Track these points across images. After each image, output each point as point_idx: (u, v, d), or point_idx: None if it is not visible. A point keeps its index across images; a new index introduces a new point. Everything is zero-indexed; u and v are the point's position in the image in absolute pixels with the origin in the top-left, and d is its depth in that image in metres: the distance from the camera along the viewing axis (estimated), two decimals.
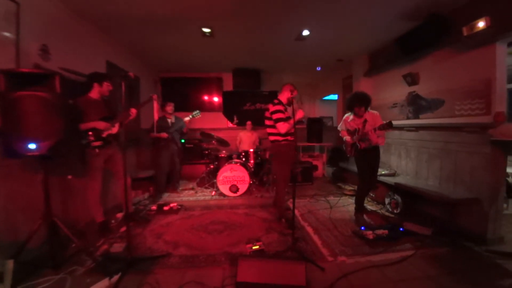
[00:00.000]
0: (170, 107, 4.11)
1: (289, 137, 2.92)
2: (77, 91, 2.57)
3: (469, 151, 2.66)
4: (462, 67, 2.78)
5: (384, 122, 2.70)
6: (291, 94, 2.88)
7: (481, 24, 2.35)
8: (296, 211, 2.48)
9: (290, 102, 2.82)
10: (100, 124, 2.51)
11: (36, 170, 2.14)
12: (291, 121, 2.68)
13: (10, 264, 1.66)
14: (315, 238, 2.61)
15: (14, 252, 1.78)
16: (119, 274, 1.87)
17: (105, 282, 1.84)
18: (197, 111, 4.06)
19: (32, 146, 1.73)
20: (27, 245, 1.84)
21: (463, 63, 2.76)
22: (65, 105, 1.89)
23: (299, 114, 2.74)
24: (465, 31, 2.50)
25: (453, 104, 2.88)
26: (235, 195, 4.06)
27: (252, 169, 4.38)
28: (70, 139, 2.06)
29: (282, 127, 2.80)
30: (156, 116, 3.61)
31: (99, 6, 2.74)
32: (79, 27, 2.98)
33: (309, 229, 2.82)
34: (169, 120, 4.11)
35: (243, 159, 4.47)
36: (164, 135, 3.90)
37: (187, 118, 4.03)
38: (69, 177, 2.64)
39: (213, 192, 4.24)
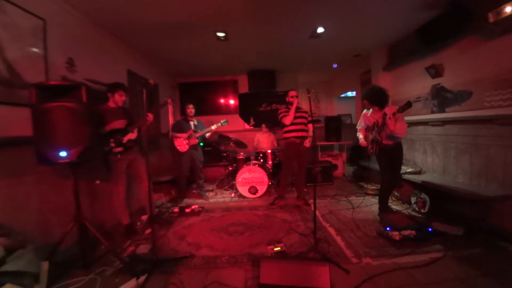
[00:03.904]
0: (189, 110, 4.02)
1: (289, 134, 3.50)
2: (101, 100, 2.69)
3: (502, 144, 2.48)
4: (490, 56, 2.61)
5: (405, 117, 2.58)
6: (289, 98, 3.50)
7: (508, 9, 2.21)
8: (317, 212, 2.43)
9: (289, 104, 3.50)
10: (117, 124, 2.59)
11: (65, 175, 2.27)
12: (290, 115, 3.41)
13: (45, 265, 1.76)
14: (338, 239, 2.55)
15: (48, 253, 1.88)
16: (146, 274, 1.93)
17: (133, 282, 1.90)
18: (225, 120, 4.04)
19: (63, 153, 1.83)
20: (59, 247, 1.94)
21: (491, 51, 2.60)
22: (90, 114, 1.98)
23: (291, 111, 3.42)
24: (491, 17, 2.36)
25: (482, 96, 2.71)
26: (254, 196, 4.07)
27: (271, 170, 4.36)
28: (96, 145, 2.16)
29: (286, 119, 3.44)
30: (171, 120, 3.62)
31: (119, 16, 2.87)
32: (101, 38, 3.14)
33: (331, 230, 2.76)
34: (191, 123, 4.02)
35: (261, 160, 4.47)
36: (183, 135, 3.87)
37: (214, 126, 3.98)
38: (97, 182, 2.78)
39: (233, 194, 4.28)
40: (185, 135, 3.90)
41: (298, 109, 3.49)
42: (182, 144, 3.89)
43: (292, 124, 3.46)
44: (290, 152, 3.56)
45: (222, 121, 4.01)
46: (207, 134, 4.08)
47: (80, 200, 2.05)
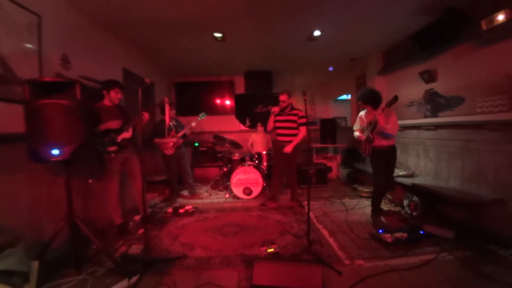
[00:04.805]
0: (173, 111, 4.02)
1: (277, 137, 3.58)
2: (96, 98, 2.67)
3: (492, 149, 2.54)
4: (482, 63, 2.67)
5: (399, 121, 2.63)
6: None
7: (500, 17, 2.26)
8: (310, 214, 2.44)
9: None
10: (112, 124, 2.59)
11: (58, 173, 2.24)
12: (269, 122, 3.54)
13: (35, 265, 1.73)
14: (331, 241, 2.56)
15: (38, 251, 1.85)
16: (138, 275, 1.91)
17: (125, 283, 1.88)
18: (203, 113, 4.03)
19: (55, 152, 1.81)
20: (50, 245, 1.91)
21: (484, 58, 2.66)
22: (85, 111, 1.96)
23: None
24: (484, 25, 2.41)
25: (474, 101, 2.77)
26: (248, 197, 4.07)
27: (265, 171, 4.37)
28: (90, 143, 2.13)
29: (267, 125, 3.60)
30: (168, 120, 3.58)
31: (115, 13, 2.84)
32: (97, 36, 3.11)
33: (325, 232, 2.78)
34: (170, 123, 3.90)
35: (256, 161, 4.48)
36: (173, 140, 3.80)
37: (194, 123, 3.95)
38: (90, 181, 2.74)
39: (227, 195, 4.27)
40: (170, 139, 3.80)
41: (292, 109, 3.48)
42: (167, 147, 3.81)
43: (279, 127, 3.52)
44: (278, 154, 3.59)
45: (200, 115, 4.00)
46: (188, 132, 4.02)
47: (72, 198, 2.02)
